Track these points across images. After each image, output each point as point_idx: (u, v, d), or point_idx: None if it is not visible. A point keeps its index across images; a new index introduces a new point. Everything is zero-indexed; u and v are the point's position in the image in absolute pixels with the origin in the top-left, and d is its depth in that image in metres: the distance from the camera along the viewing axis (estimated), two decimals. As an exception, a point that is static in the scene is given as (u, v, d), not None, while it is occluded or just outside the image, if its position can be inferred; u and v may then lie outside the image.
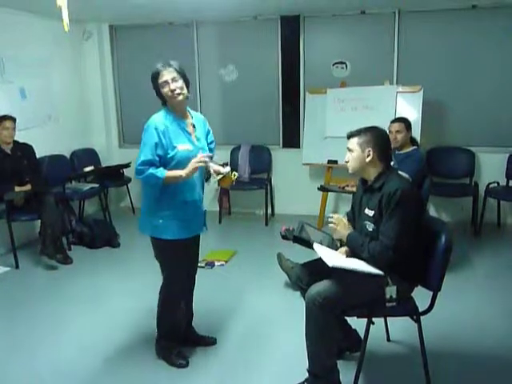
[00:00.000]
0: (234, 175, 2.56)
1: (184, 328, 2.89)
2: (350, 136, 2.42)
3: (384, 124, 4.11)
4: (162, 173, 2.43)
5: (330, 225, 2.48)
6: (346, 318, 2.60)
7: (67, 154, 5.55)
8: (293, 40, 5.57)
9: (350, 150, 2.41)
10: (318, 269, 2.44)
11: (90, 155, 5.85)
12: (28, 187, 4.36)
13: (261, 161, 5.79)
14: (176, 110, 2.52)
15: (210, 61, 5.92)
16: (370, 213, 2.35)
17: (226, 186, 2.62)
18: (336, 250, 2.50)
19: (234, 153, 5.84)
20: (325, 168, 5.35)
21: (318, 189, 5.12)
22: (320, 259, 2.36)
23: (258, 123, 5.89)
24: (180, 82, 2.45)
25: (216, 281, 3.94)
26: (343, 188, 4.66)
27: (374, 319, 2.41)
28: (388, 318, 2.84)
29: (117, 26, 6.09)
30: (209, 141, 2.70)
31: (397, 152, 3.99)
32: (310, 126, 5.42)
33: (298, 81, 5.64)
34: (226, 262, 4.34)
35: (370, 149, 2.34)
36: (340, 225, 2.47)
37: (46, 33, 5.25)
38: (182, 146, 2.47)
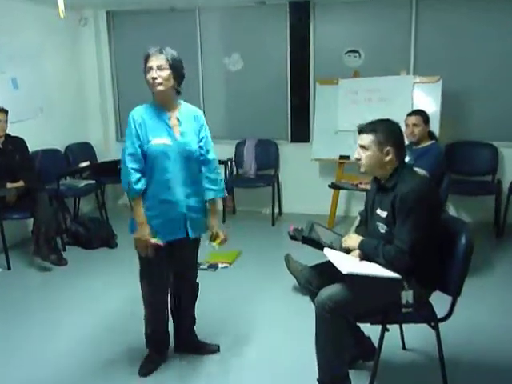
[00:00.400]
0: (216, 242, 2.68)
1: (166, 336, 2.89)
2: (362, 131, 2.35)
3: (400, 117, 4.11)
4: (140, 190, 2.49)
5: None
6: (359, 324, 2.59)
7: (61, 149, 5.56)
8: (302, 27, 5.55)
9: (363, 147, 2.34)
10: (328, 271, 2.43)
11: (85, 149, 5.87)
12: (20, 184, 4.38)
13: (267, 156, 5.79)
14: (158, 100, 2.52)
15: (214, 49, 5.91)
16: (383, 214, 2.35)
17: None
18: (348, 252, 2.49)
19: (239, 147, 5.84)
20: (336, 164, 5.33)
21: (329, 186, 5.10)
22: (331, 262, 2.36)
23: (265, 116, 5.88)
24: (166, 72, 2.43)
25: (219, 284, 3.95)
26: (356, 185, 4.65)
27: (388, 326, 2.40)
28: (404, 325, 2.84)
29: (114, 12, 6.10)
30: (200, 137, 2.62)
31: (414, 147, 3.98)
32: (321, 119, 5.41)
33: (308, 71, 5.63)
34: (231, 263, 4.34)
35: (389, 147, 2.30)
36: (346, 241, 2.49)
37: (40, 20, 5.26)
38: (158, 140, 2.46)
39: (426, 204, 2.23)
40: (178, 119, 2.54)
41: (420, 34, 5.28)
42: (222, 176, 2.77)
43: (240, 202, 6.00)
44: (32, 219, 4.37)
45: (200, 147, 2.60)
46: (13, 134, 4.51)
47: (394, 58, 5.34)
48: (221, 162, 5.56)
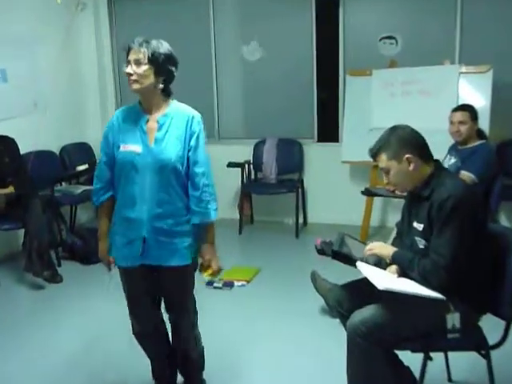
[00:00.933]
0: (207, 273, 2.54)
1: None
2: (374, 154, 2.45)
3: (444, 113, 4.12)
4: (98, 202, 2.55)
5: (368, 252, 2.51)
6: (398, 352, 2.58)
7: (56, 150, 5.64)
8: (330, 10, 5.57)
9: (383, 170, 2.43)
10: (362, 291, 2.44)
11: (83, 151, 5.93)
12: (10, 189, 4.43)
13: (290, 158, 5.80)
14: (141, 100, 2.50)
15: (230, 36, 5.97)
16: (419, 227, 2.37)
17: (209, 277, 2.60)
18: (385, 268, 2.50)
19: (258, 148, 5.86)
20: (370, 167, 5.32)
21: (362, 193, 5.09)
22: (365, 279, 2.36)
23: (288, 112, 5.90)
24: (143, 68, 2.36)
25: (235, 304, 3.97)
26: (393, 192, 4.62)
27: (432, 354, 2.39)
28: (450, 353, 2.82)
29: (116, -5, 6.20)
30: (189, 145, 2.44)
31: (459, 147, 3.96)
32: (352, 116, 5.41)
33: (337, 60, 5.64)
34: (248, 281, 4.36)
35: (407, 155, 2.34)
36: (376, 248, 2.49)
37: (33, 5, 5.35)
38: (127, 147, 2.43)
39: (466, 211, 2.23)
40: (158, 122, 2.45)
41: (467, 17, 5.24)
42: (209, 195, 2.46)
43: (259, 211, 6.02)
44: (23, 230, 4.43)
45: (187, 158, 2.44)
46: (2, 134, 4.58)
47: (436, 44, 5.32)
48: (237, 165, 5.61)
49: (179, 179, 2.44)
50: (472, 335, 2.35)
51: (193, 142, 2.44)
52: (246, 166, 5.79)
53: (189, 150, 2.44)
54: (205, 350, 2.79)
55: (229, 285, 4.27)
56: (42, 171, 5.06)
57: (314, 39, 5.68)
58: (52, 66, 5.70)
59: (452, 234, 2.21)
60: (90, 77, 6.21)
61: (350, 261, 2.57)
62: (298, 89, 5.84)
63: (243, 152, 5.80)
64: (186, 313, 2.62)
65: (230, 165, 5.56)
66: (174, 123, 2.45)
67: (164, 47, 2.41)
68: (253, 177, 5.91)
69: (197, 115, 2.48)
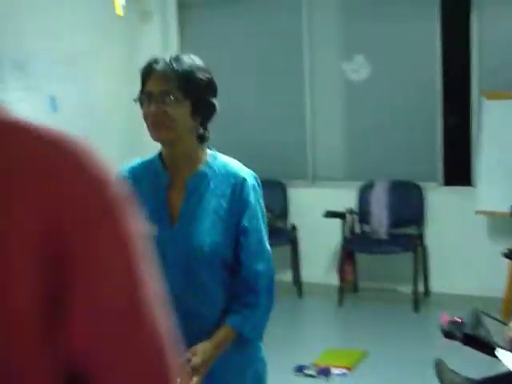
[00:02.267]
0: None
1: None
2: None
3: None
4: None
5: None
6: None
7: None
8: (460, 13, 5.57)
9: None
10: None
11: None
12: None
13: (407, 207, 5.79)
14: (164, 154, 2.11)
15: (328, 49, 6.07)
16: None
17: None
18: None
19: (365, 194, 5.88)
20: (515, 220, 5.20)
21: (505, 255, 4.95)
22: (509, 374, 2.30)
23: (403, 146, 5.90)
24: (177, 107, 1.98)
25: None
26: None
27: None
28: None
29: (188, 2, 6.44)
30: (238, 224, 2.02)
31: None
32: (490, 151, 5.34)
33: (469, 79, 5.61)
34: (350, 369, 4.33)
35: None
36: None
37: (90, 17, 5.67)
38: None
39: None
40: (186, 186, 2.05)
41: None
42: (266, 309, 2.07)
43: (365, 275, 5.98)
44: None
45: (236, 243, 2.02)
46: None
47: None
48: (337, 215, 5.62)
49: (218, 277, 2.03)
50: None
51: (245, 221, 2.02)
52: (349, 216, 5.80)
53: (238, 234, 2.02)
54: None
55: (325, 373, 4.25)
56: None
57: (439, 52, 5.68)
58: (110, 89, 5.95)
59: None
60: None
61: (487, 348, 2.51)
62: (417, 116, 5.83)
63: (345, 198, 5.82)
64: None
65: (328, 215, 5.57)
66: (213, 189, 2.04)
67: (200, 67, 2.06)
68: (357, 231, 5.92)
69: (250, 176, 2.08)
